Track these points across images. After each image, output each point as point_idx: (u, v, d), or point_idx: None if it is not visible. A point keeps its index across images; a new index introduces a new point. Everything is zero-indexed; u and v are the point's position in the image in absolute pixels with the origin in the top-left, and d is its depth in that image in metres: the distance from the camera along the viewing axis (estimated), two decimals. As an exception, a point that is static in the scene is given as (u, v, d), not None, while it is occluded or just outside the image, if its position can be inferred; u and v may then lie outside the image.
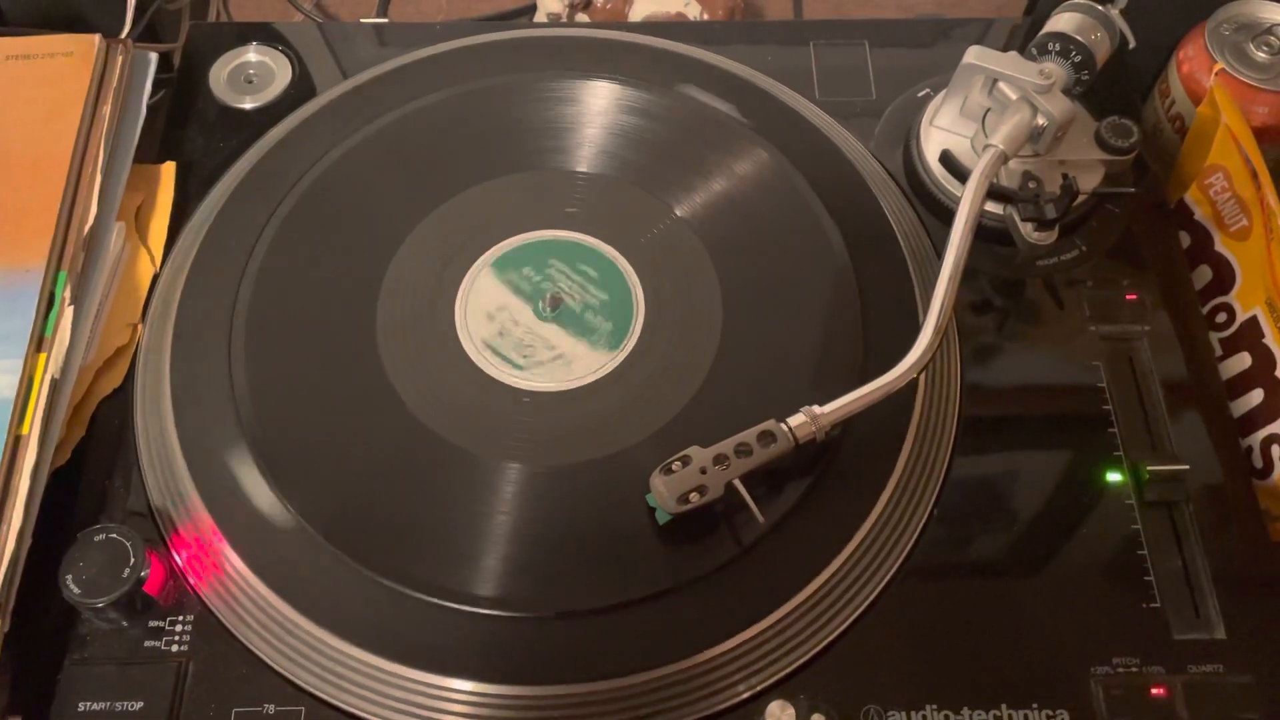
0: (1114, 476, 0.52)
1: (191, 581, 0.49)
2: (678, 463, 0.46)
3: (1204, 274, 0.60)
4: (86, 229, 0.54)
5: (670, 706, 0.46)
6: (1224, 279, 0.59)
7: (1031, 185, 0.55)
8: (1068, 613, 0.48)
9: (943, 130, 0.60)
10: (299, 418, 0.52)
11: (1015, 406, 0.54)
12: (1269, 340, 0.55)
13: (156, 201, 0.59)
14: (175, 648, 0.47)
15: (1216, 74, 0.60)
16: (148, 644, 0.47)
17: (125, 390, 0.54)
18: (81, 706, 0.46)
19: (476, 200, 0.59)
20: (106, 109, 0.58)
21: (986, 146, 0.54)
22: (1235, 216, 0.58)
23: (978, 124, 0.58)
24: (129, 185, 0.58)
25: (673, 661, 0.46)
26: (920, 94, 0.63)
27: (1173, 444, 0.53)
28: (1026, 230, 0.55)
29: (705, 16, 0.74)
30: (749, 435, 0.47)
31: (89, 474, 0.52)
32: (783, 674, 0.47)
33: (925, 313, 0.50)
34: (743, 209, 0.58)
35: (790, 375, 0.53)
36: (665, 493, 0.46)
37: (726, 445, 0.47)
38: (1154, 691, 0.47)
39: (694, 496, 0.46)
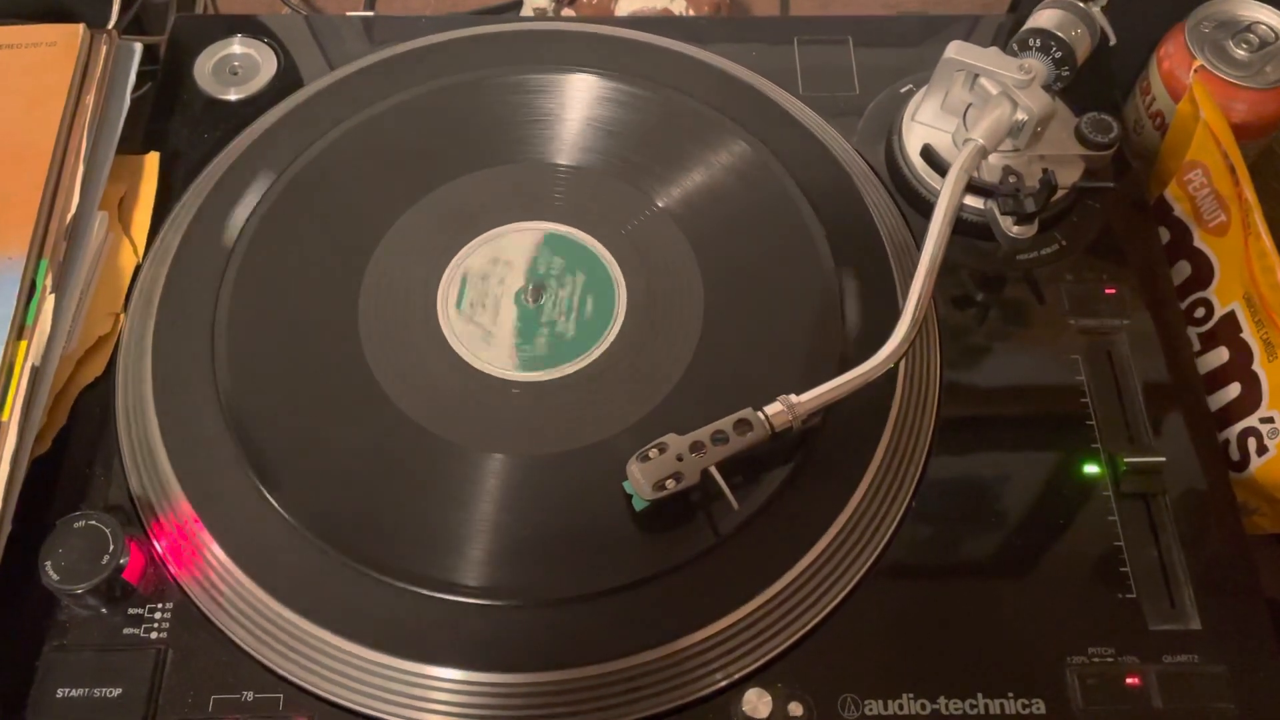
0: (1091, 469, 0.52)
1: (171, 569, 0.49)
2: (654, 450, 0.47)
3: (1183, 269, 0.61)
4: (68, 218, 0.54)
5: (649, 694, 0.46)
6: (1202, 274, 0.59)
7: (1011, 179, 0.55)
8: (1044, 603, 0.49)
9: (924, 125, 0.60)
10: (281, 407, 0.52)
11: (994, 399, 0.55)
12: (1246, 334, 0.56)
13: (140, 192, 0.59)
14: (154, 635, 0.47)
15: (1196, 71, 0.60)
16: (127, 631, 0.47)
17: (107, 379, 0.54)
18: (60, 693, 0.46)
19: (460, 192, 0.59)
20: (90, 99, 0.58)
21: (966, 140, 0.54)
22: (1214, 212, 0.58)
23: (959, 119, 0.59)
24: (112, 175, 0.58)
25: (650, 649, 0.46)
26: (903, 90, 0.63)
27: (1150, 437, 0.53)
28: (1006, 224, 0.55)
29: (691, 12, 0.74)
30: (726, 423, 0.47)
31: (70, 462, 0.52)
32: (760, 663, 0.47)
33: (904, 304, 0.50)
34: (725, 201, 0.58)
35: (770, 366, 0.53)
36: (641, 479, 0.46)
37: (703, 433, 0.47)
38: (1129, 681, 0.47)
39: (670, 483, 0.46)
